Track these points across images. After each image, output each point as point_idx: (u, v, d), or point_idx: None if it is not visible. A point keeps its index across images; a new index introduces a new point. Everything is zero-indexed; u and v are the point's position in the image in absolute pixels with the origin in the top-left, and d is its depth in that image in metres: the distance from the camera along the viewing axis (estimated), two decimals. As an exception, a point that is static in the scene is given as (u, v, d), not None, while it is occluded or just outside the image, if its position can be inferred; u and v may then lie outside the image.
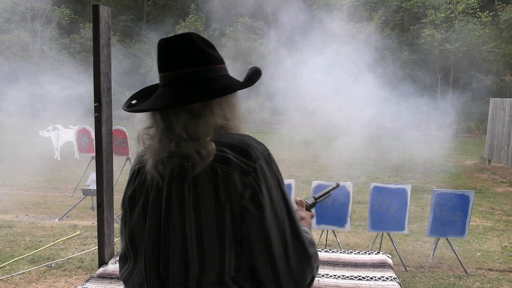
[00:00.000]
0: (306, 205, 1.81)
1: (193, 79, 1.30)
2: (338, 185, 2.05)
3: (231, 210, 1.23)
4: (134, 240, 1.39)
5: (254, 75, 1.38)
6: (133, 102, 1.40)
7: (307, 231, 1.38)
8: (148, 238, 1.33)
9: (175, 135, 1.29)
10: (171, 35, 1.36)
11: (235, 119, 1.36)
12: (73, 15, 27.17)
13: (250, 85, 1.40)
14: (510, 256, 5.12)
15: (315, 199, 1.88)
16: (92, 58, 2.54)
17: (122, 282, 2.33)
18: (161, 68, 1.35)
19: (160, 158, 1.30)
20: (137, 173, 1.40)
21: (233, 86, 1.35)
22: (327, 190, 1.97)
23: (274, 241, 1.24)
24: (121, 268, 1.48)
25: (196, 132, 1.27)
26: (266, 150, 1.30)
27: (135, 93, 1.47)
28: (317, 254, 1.32)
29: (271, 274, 1.26)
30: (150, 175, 1.33)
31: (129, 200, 1.40)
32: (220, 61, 1.37)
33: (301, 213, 1.74)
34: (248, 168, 1.23)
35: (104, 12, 2.58)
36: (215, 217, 1.24)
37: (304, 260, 1.28)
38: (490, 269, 4.71)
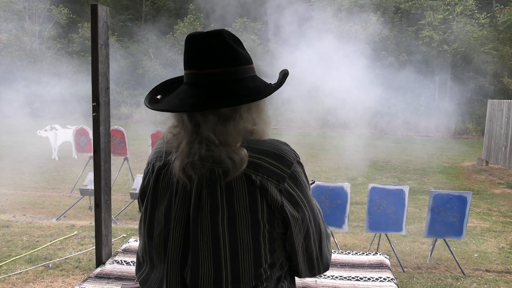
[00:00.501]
0: None
1: (220, 80, 1.26)
2: (313, 182, 2.13)
3: (268, 215, 1.24)
4: (152, 243, 1.35)
5: (284, 79, 1.36)
6: (158, 97, 1.36)
7: None
8: (173, 243, 1.29)
9: (204, 138, 1.25)
10: (199, 31, 1.31)
11: (261, 123, 1.34)
12: (71, 15, 27.12)
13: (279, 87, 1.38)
14: (507, 257, 5.13)
15: None
16: (90, 58, 2.54)
17: (119, 282, 2.33)
18: (187, 65, 1.31)
19: (189, 161, 1.25)
20: (158, 171, 1.36)
21: (263, 91, 1.31)
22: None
23: (312, 239, 1.35)
24: (137, 269, 1.45)
25: (226, 137, 1.24)
26: (296, 153, 1.33)
27: (156, 86, 1.43)
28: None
29: (307, 266, 1.40)
30: (176, 177, 1.28)
31: (152, 200, 1.36)
32: (249, 61, 1.33)
33: None
34: (283, 174, 1.25)
35: (103, 12, 2.58)
36: (251, 222, 1.23)
37: (330, 249, 1.45)
38: (487, 270, 4.72)
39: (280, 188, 1.24)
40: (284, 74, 1.36)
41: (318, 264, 1.41)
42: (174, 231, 1.29)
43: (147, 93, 1.42)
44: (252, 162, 1.22)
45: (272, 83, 1.36)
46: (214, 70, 1.26)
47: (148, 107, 1.35)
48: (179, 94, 1.32)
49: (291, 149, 1.33)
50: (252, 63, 1.34)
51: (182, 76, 1.40)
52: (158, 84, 1.45)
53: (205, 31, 1.29)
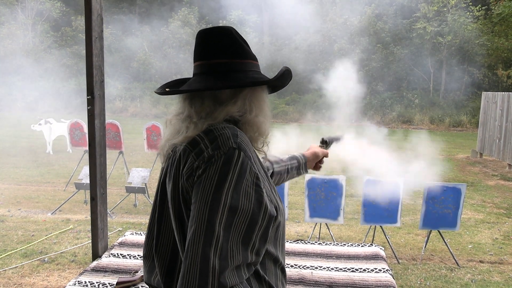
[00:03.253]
0: (326, 141, 2.18)
1: (226, 70, 1.33)
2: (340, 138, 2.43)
3: (182, 192, 1.24)
4: None
5: (286, 74, 1.40)
6: (167, 89, 1.43)
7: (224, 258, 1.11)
8: (149, 218, 1.44)
9: (193, 121, 1.31)
10: (209, 27, 1.40)
11: (260, 114, 1.35)
12: (64, 8, 26.88)
13: (281, 85, 1.44)
14: (501, 248, 5.17)
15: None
16: (84, 51, 2.53)
17: (115, 275, 2.33)
18: (197, 56, 1.38)
19: (170, 140, 1.33)
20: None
21: (260, 79, 1.36)
22: (336, 137, 2.33)
23: (189, 236, 1.13)
24: None
25: (208, 115, 1.30)
26: (238, 144, 1.21)
27: (168, 82, 1.50)
28: (224, 282, 1.08)
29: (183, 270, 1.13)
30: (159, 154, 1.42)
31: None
32: (254, 58, 1.39)
33: (316, 149, 2.07)
34: (204, 153, 1.20)
35: (97, 4, 2.56)
36: (176, 199, 1.27)
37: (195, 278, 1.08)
38: (481, 261, 4.77)
39: (193, 166, 1.20)
40: (286, 70, 1.40)
41: (181, 274, 1.10)
42: (153, 204, 1.43)
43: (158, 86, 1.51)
44: (195, 140, 1.25)
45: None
46: (221, 61, 1.33)
47: (157, 93, 1.43)
48: (189, 83, 1.39)
49: (236, 139, 1.22)
50: (257, 61, 1.40)
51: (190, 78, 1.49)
52: (169, 81, 1.52)
53: (212, 27, 1.37)
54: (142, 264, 1.50)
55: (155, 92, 1.44)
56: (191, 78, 1.43)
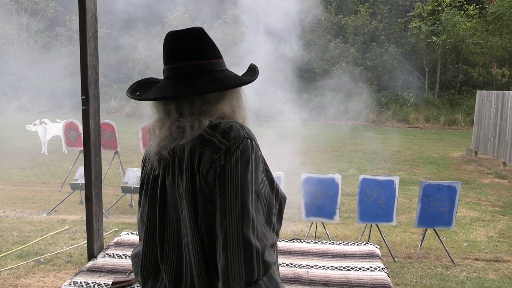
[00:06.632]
0: None
1: (206, 71, 1.35)
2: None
3: (200, 188, 1.25)
4: (141, 228, 1.49)
5: (257, 71, 1.48)
6: (137, 94, 1.43)
7: (264, 231, 1.22)
8: (147, 221, 1.40)
9: (187, 122, 1.32)
10: (179, 29, 1.39)
11: (241, 110, 1.42)
12: (58, 8, 26.77)
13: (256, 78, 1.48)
14: (496, 246, 5.20)
15: None
16: (79, 51, 2.52)
17: (111, 276, 2.33)
18: (174, 58, 1.37)
19: (164, 144, 1.33)
20: (144, 161, 1.47)
21: (245, 79, 1.42)
22: None
23: (230, 224, 1.18)
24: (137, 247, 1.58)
25: (203, 112, 1.32)
26: (248, 134, 1.28)
27: (132, 86, 1.49)
28: (268, 260, 1.17)
29: (223, 259, 1.18)
30: (151, 162, 1.39)
31: (140, 189, 1.49)
32: (222, 56, 1.44)
33: None
34: (220, 145, 1.24)
35: (91, 4, 2.55)
36: (192, 196, 1.26)
37: (243, 259, 1.15)
38: (476, 259, 4.79)
39: (212, 159, 1.22)
40: (256, 68, 1.49)
41: (222, 264, 1.16)
42: (149, 211, 1.39)
43: (126, 93, 1.49)
44: (203, 136, 1.27)
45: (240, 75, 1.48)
46: (202, 62, 1.35)
47: (135, 98, 1.41)
48: (169, 86, 1.36)
49: (245, 130, 1.29)
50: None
51: (152, 78, 1.52)
52: (131, 84, 1.51)
53: (185, 28, 1.37)
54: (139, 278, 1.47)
55: (128, 95, 1.44)
56: (161, 80, 1.43)
